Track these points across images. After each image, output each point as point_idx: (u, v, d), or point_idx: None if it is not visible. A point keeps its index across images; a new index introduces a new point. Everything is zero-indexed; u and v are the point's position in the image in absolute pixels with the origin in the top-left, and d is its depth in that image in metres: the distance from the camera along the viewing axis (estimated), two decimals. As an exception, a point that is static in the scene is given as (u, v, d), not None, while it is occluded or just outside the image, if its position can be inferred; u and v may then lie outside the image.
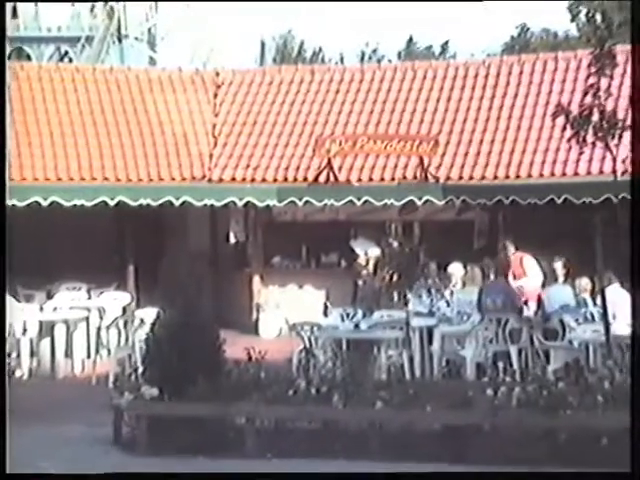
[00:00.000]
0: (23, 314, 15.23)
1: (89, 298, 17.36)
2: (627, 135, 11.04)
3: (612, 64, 10.87)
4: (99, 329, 15.59)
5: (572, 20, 36.58)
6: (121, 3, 43.36)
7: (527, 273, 15.44)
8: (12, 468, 8.95)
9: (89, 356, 15.34)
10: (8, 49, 42.83)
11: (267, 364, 10.92)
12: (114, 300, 16.87)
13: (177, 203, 17.46)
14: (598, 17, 12.13)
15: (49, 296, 17.39)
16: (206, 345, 10.51)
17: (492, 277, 15.83)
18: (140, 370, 11.05)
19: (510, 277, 15.40)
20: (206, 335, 10.63)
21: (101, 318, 15.91)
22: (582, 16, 35.58)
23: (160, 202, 17.43)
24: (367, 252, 18.44)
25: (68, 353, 15.18)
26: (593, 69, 10.88)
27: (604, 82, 10.79)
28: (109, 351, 15.04)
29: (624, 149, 16.99)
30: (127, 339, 14.80)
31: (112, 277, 18.08)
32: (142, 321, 13.82)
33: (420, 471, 6.45)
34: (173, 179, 19.43)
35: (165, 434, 10.13)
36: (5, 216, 10.73)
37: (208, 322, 11.06)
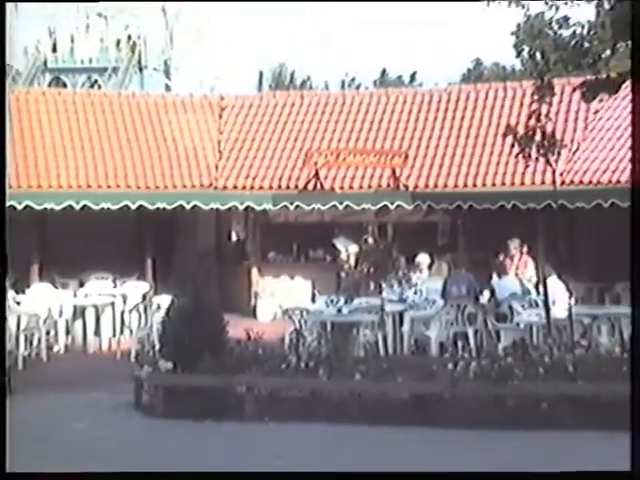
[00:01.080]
0: (59, 299, 15.17)
1: (114, 286, 17.30)
2: (564, 152, 11.07)
3: (550, 93, 10.95)
4: (123, 312, 15.55)
5: (517, 56, 36.70)
6: (141, 39, 43.21)
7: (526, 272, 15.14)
8: (49, 429, 8.90)
9: (114, 335, 15.28)
10: (48, 78, 42.88)
11: (263, 343, 10.88)
12: (135, 288, 16.81)
13: (188, 207, 17.47)
14: (538, 55, 12.23)
15: (81, 284, 17.33)
16: (212, 327, 10.47)
17: (453, 270, 15.79)
18: (157, 347, 11.01)
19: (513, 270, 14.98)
20: (212, 318, 10.59)
21: (124, 303, 15.85)
22: (525, 53, 35.76)
23: (173, 206, 17.43)
24: (348, 248, 18.45)
25: (97, 332, 15.12)
26: (535, 97, 10.93)
27: (544, 108, 10.83)
28: (131, 331, 14.99)
29: (562, 163, 17.12)
30: (146, 321, 14.76)
31: (133, 269, 18.03)
32: (159, 306, 13.77)
33: (420, 471, 6.34)
34: (184, 186, 19.37)
35: (178, 401, 10.08)
36: (5, 218, 10.57)
37: (214, 307, 11.02)
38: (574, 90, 7.77)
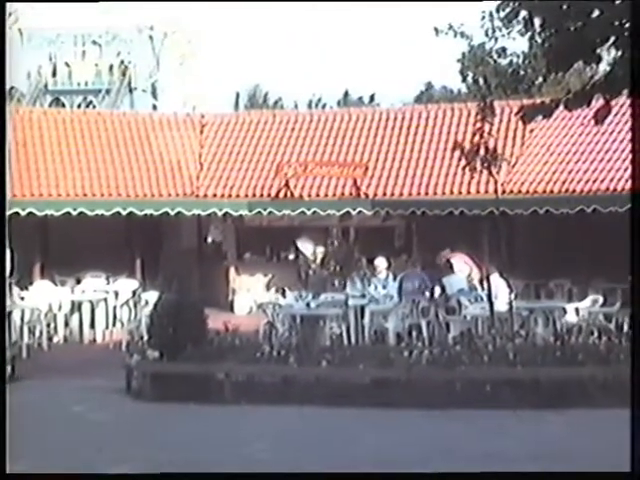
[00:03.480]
0: (59, 295, 15.00)
1: (107, 284, 17.12)
2: (504, 165, 11.10)
3: (492, 114, 11.00)
4: (115, 307, 15.41)
5: (463, 81, 36.93)
6: (131, 64, 42.92)
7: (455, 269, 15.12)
8: (51, 413, 8.78)
9: (107, 327, 15.13)
10: (49, 99, 42.48)
11: (240, 334, 10.85)
12: (126, 285, 16.67)
13: (172, 213, 17.33)
14: (481, 80, 12.31)
15: (78, 282, 17.14)
16: (194, 320, 10.41)
17: (409, 268, 15.82)
18: (145, 338, 10.93)
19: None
20: (194, 312, 10.53)
21: (116, 299, 15.71)
22: (470, 78, 36.01)
23: (160, 212, 17.29)
24: (310, 249, 18.43)
25: (92, 325, 14.97)
26: (479, 117, 10.97)
27: (487, 126, 10.87)
28: (122, 324, 14.86)
29: (503, 175, 17.20)
30: (135, 315, 14.65)
31: (124, 268, 17.85)
32: (147, 302, 13.67)
33: (420, 471, 6.35)
34: (169, 195, 19.19)
35: (164, 386, 10.00)
36: (5, 222, 10.39)
37: (195, 302, 10.96)
38: (516, 113, 7.79)
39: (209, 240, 20.66)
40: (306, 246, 18.46)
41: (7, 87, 12.16)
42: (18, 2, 24.27)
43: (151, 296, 13.08)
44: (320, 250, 18.46)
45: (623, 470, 5.38)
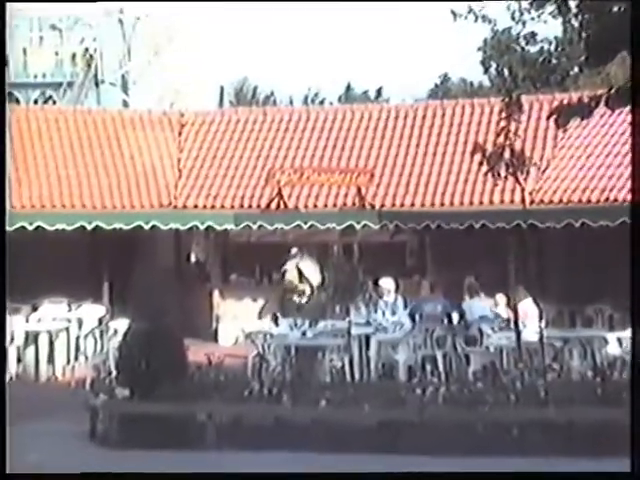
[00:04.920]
0: (10, 325, 14.97)
1: (69, 310, 17.13)
2: (533, 170, 11.14)
3: (519, 111, 11.02)
4: (78, 338, 15.41)
5: (484, 72, 37.02)
6: (97, 53, 43.08)
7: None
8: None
9: (69, 362, 15.12)
10: (-2, 93, 42.52)
11: (225, 368, 10.86)
12: (91, 312, 16.67)
13: (146, 227, 17.36)
14: (506, 71, 12.33)
15: (34, 309, 17.14)
16: (171, 352, 10.42)
17: (422, 291, 15.87)
18: (114, 374, 10.92)
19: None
20: (171, 343, 10.54)
21: (79, 328, 15.71)
22: (493, 70, 36.11)
23: (131, 226, 17.31)
24: (312, 270, 18.43)
25: (50, 360, 14.95)
26: (503, 114, 11.01)
27: (513, 126, 10.90)
28: (86, 357, 14.86)
29: (531, 182, 17.26)
30: (102, 347, 14.66)
31: (89, 292, 17.85)
32: (115, 331, 13.67)
33: (420, 471, 6.29)
34: (143, 206, 19.25)
35: (136, 431, 10.00)
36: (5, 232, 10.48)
37: (173, 331, 10.97)
38: (548, 116, 7.82)
39: (189, 259, 20.68)
40: (302, 265, 18.49)
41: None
42: (18, 2, 24.83)
43: (121, 324, 13.09)
44: (318, 270, 18.50)
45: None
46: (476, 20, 32.26)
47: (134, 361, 10.25)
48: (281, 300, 18.21)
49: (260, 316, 18.40)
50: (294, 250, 18.49)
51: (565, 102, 7.86)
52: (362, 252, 19.18)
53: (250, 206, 19.09)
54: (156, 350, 10.21)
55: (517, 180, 11.18)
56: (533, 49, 34.61)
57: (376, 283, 16.13)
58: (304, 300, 17.77)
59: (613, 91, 6.93)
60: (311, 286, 18.20)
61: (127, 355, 10.43)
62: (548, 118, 7.39)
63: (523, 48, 34.58)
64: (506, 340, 12.52)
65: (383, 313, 14.68)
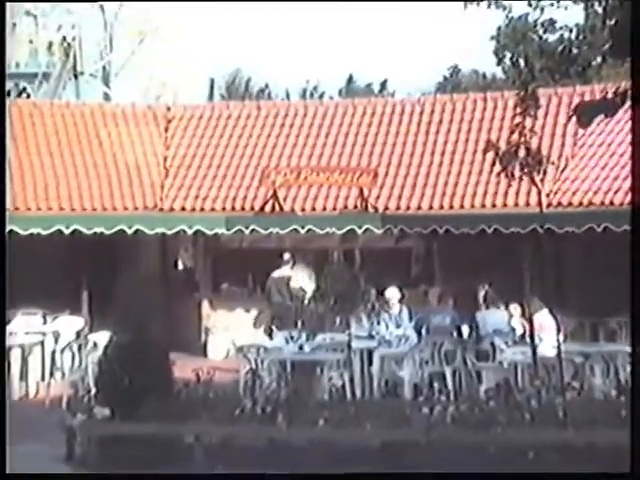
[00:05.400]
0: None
1: (44, 323, 17.11)
2: (551, 170, 11.14)
3: (535, 105, 11.03)
4: (53, 353, 15.39)
5: (498, 63, 37.02)
6: (76, 42, 43.12)
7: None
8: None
9: (43, 379, 15.10)
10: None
11: (215, 385, 10.86)
12: (68, 324, 16.65)
13: (129, 231, 17.33)
14: (521, 62, 12.34)
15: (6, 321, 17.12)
16: (156, 367, 10.42)
17: (429, 302, 15.88)
18: (93, 392, 10.93)
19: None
20: (156, 357, 10.54)
21: (55, 342, 15.69)
22: (507, 60, 36.12)
23: (113, 231, 17.29)
24: (310, 278, 18.46)
25: (23, 376, 14.93)
26: (518, 109, 11.01)
27: (529, 122, 10.91)
28: (63, 374, 14.83)
29: (548, 184, 17.25)
30: (81, 362, 14.63)
31: (66, 302, 17.83)
32: (95, 344, 13.68)
33: (420, 471, 6.33)
34: (126, 208, 19.28)
35: (116, 453, 9.99)
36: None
37: (158, 345, 10.97)
38: (569, 115, 7.82)
39: (176, 266, 20.68)
40: (299, 273, 18.51)
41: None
42: (18, 2, 25.07)
43: (101, 338, 13.09)
44: (317, 278, 18.52)
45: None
46: (489, 6, 32.26)
47: (115, 377, 10.25)
48: (276, 311, 18.22)
49: (253, 328, 18.40)
50: (286, 256, 18.51)
51: (588, 98, 7.86)
52: (364, 259, 19.18)
53: (243, 208, 19.11)
54: (139, 365, 10.22)
55: (533, 181, 11.19)
56: (552, 37, 34.65)
57: (379, 293, 16.15)
58: (304, 310, 17.80)
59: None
60: (310, 296, 18.22)
61: (108, 371, 10.43)
62: (569, 117, 7.42)
63: (541, 36, 34.63)
64: (521, 355, 12.54)
65: (387, 325, 14.71)
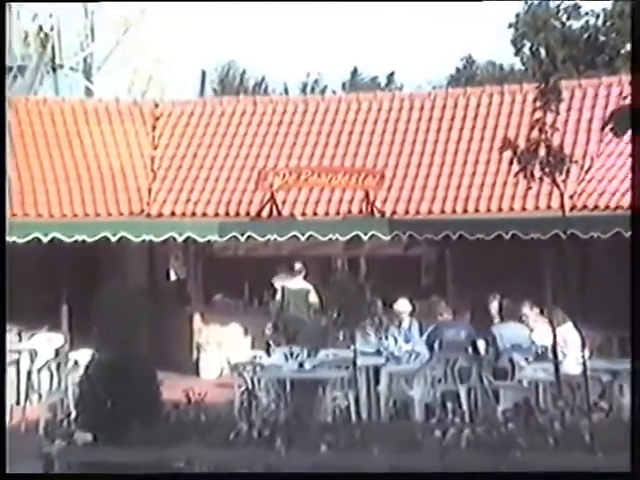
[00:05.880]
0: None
1: (20, 340, 17.10)
2: (574, 170, 11.14)
3: (557, 99, 11.01)
4: (30, 373, 15.38)
5: (516, 54, 37.04)
6: (54, 31, 43.18)
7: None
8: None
9: (18, 402, 15.08)
10: None
11: (207, 406, 10.87)
12: (46, 342, 16.65)
13: (114, 239, 17.33)
14: (542, 51, 12.32)
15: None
16: (143, 387, 10.42)
17: (442, 314, 15.86)
18: (73, 415, 10.92)
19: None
20: (143, 377, 10.54)
21: (32, 361, 15.68)
22: (526, 50, 36.10)
23: (96, 238, 17.30)
24: (311, 289, 18.47)
25: (-3, 398, 14.91)
26: (539, 103, 11.00)
27: (550, 117, 10.90)
28: (40, 395, 14.82)
29: (571, 185, 17.24)
30: (60, 383, 14.61)
31: (45, 318, 17.86)
32: (76, 363, 13.66)
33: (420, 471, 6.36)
34: (110, 214, 19.30)
35: (100, 482, 10.00)
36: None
37: (145, 363, 10.97)
38: (604, 124, 7.75)
39: (166, 277, 20.68)
40: (299, 284, 18.53)
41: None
42: (18, 2, 25.39)
43: (82, 356, 13.09)
44: (319, 289, 18.54)
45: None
46: (506, -9, 32.39)
47: (98, 399, 10.25)
48: (274, 325, 18.22)
49: (249, 344, 18.41)
50: (298, 266, 18.50)
51: (616, 90, 7.79)
52: (370, 268, 19.21)
53: (237, 214, 19.13)
54: (124, 386, 10.22)
55: (555, 182, 11.18)
56: (575, 24, 34.66)
57: (387, 305, 16.16)
58: (305, 324, 17.82)
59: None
60: (311, 308, 18.23)
61: (89, 392, 10.43)
62: (603, 128, 7.34)
63: (563, 23, 34.64)
64: (542, 372, 12.53)
65: (395, 340, 14.72)
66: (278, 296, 18.36)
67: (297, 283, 18.37)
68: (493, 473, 6.64)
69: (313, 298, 18.35)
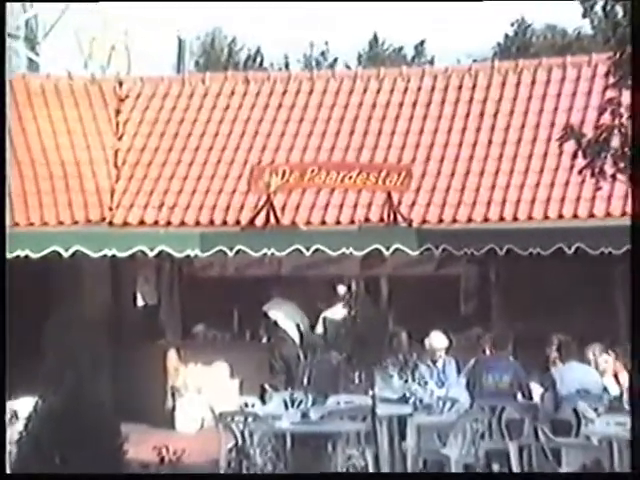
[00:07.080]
0: None
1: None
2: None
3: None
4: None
5: (584, 15, 37.03)
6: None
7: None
8: None
9: None
10: None
11: (185, 466, 10.84)
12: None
13: (66, 254, 17.35)
14: (619, 10, 12.21)
15: None
16: (103, 444, 10.37)
17: (485, 351, 15.86)
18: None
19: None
20: (102, 430, 10.49)
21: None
22: (598, 9, 36.12)
23: (43, 253, 17.31)
24: (317, 319, 18.49)
25: None
26: (612, 80, 10.93)
27: (627, 97, 10.82)
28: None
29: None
30: (-4, 439, 14.57)
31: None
32: (15, 415, 13.65)
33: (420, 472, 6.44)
34: (61, 223, 19.29)
35: None
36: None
37: (105, 413, 10.92)
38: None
39: (132, 302, 20.64)
40: (278, 313, 18.63)
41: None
42: (18, 2, 26.07)
43: (22, 405, 13.06)
44: (328, 319, 18.54)
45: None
46: None
47: (43, 458, 10.20)
48: (271, 364, 18.20)
49: (239, 388, 18.39)
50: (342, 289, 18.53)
51: None
52: (393, 291, 19.20)
53: (225, 222, 19.14)
54: (77, 441, 10.17)
55: (632, 180, 11.11)
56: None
57: (415, 338, 16.12)
58: (310, 363, 17.82)
59: None
60: (318, 344, 18.25)
61: (32, 450, 10.38)
62: None
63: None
64: (617, 427, 12.47)
65: (426, 383, 14.68)
66: (320, 328, 18.35)
67: (339, 312, 18.40)
68: (493, 473, 6.70)
69: (320, 330, 18.40)
